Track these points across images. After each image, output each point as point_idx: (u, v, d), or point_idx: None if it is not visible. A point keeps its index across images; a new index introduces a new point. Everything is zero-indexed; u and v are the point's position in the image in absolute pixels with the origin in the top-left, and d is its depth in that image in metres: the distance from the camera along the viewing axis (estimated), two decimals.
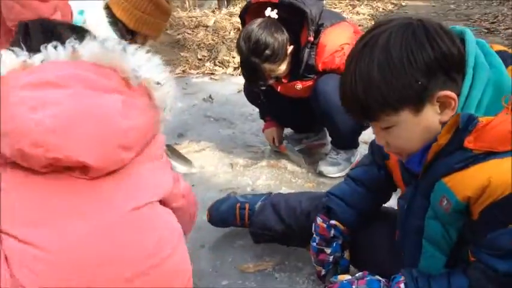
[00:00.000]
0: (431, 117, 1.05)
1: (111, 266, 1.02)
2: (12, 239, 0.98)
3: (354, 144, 2.38)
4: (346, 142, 2.34)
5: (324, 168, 2.35)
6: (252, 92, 2.46)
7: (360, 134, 2.32)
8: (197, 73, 4.08)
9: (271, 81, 2.24)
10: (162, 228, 1.12)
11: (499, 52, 1.10)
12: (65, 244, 0.99)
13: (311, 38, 2.08)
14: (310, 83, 2.20)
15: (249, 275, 1.65)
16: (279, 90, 2.33)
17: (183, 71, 4.12)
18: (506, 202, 0.97)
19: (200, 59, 4.29)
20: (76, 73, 1.04)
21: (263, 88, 2.28)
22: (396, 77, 1.00)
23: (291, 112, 2.46)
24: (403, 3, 7.04)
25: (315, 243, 1.46)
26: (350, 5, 6.68)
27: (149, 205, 1.10)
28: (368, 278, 1.22)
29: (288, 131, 2.69)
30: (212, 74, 4.04)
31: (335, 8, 6.50)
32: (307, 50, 2.12)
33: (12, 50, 1.08)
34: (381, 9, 6.55)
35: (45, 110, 0.97)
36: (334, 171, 2.34)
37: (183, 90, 3.64)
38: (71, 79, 1.02)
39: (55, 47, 1.08)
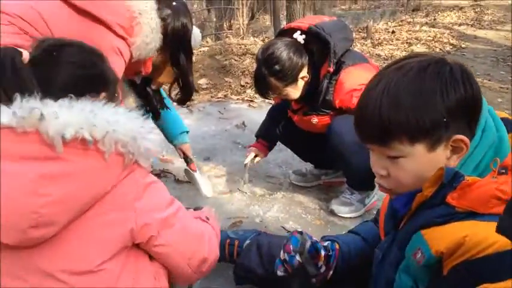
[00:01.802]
0: (440, 158, 1.04)
1: None
2: None
3: (370, 186, 2.34)
4: (361, 183, 2.30)
5: (336, 207, 2.32)
6: (272, 118, 2.53)
7: (375, 176, 2.28)
8: (237, 99, 4.17)
9: (279, 99, 2.27)
10: None
11: (502, 118, 1.11)
12: None
13: (331, 69, 2.09)
14: (326, 118, 2.20)
15: None
16: (295, 121, 2.35)
17: (225, 96, 4.23)
18: (478, 264, 0.94)
19: (242, 86, 4.39)
20: None
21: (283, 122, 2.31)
22: (426, 106, 1.00)
23: (310, 147, 2.47)
24: (463, 45, 6.85)
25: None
26: (406, 42, 6.60)
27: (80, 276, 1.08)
28: None
29: (308, 166, 2.69)
30: (251, 101, 4.11)
31: (391, 44, 6.45)
32: (326, 82, 2.12)
33: None
34: (437, 50, 6.41)
35: None
36: (346, 211, 2.31)
37: (218, 115, 3.73)
38: None
39: None
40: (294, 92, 2.18)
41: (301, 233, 1.45)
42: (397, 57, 5.51)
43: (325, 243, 1.46)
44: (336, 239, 1.47)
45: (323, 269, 1.42)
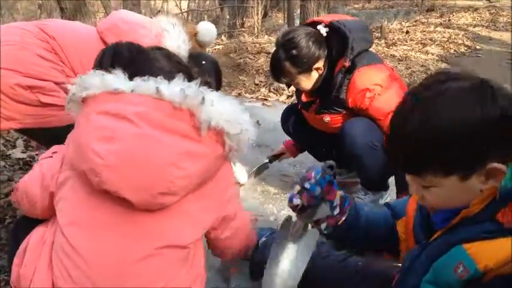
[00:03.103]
0: (475, 185, 1.01)
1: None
2: (60, 232, 1.18)
3: (383, 187, 2.34)
4: (374, 184, 2.31)
5: None
6: (286, 121, 2.52)
7: (389, 177, 2.29)
8: (251, 97, 4.19)
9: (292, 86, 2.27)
10: (171, 274, 1.19)
11: None
12: (91, 254, 1.15)
13: (346, 64, 2.08)
14: (339, 117, 2.21)
15: None
16: (307, 119, 2.36)
17: (239, 94, 4.25)
18: None
19: (257, 84, 4.41)
20: (151, 112, 1.13)
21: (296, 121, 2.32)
22: (468, 142, 0.96)
23: (324, 147, 2.48)
24: (478, 47, 6.80)
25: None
26: (421, 43, 6.57)
27: (173, 249, 1.19)
28: None
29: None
30: (265, 99, 4.13)
31: (405, 45, 6.42)
32: (340, 77, 2.11)
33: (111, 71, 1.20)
34: (452, 51, 6.37)
35: (109, 144, 1.11)
36: None
37: None
38: (145, 118, 1.12)
39: (144, 80, 1.17)
40: (306, 82, 2.18)
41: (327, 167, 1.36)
42: (412, 58, 5.49)
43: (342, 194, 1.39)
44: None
45: (337, 210, 1.35)
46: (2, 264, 1.82)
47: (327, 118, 2.24)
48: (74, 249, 1.15)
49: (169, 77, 1.19)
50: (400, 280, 1.23)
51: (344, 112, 2.19)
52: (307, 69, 2.13)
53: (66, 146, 1.25)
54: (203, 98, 1.14)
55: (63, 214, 1.20)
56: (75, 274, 1.14)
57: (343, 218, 1.35)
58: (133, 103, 1.14)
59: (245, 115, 1.22)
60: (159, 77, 1.17)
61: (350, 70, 2.10)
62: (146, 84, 1.15)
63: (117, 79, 1.18)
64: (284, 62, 2.12)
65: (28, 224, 1.33)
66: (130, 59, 1.34)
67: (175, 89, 1.14)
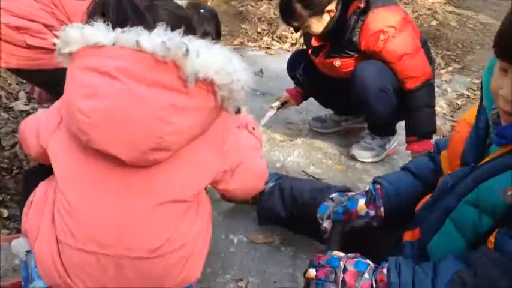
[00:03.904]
0: None
1: (116, 243, 1.15)
2: (61, 193, 1.18)
3: (391, 131, 2.33)
4: (383, 128, 2.30)
5: (356, 152, 2.33)
6: (294, 67, 2.47)
7: (396, 122, 2.27)
8: (254, 46, 4.10)
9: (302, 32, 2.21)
10: (173, 230, 1.19)
11: None
12: (90, 212, 1.16)
13: (361, 5, 2.02)
14: (350, 61, 2.15)
15: (256, 245, 1.72)
16: (317, 64, 2.30)
17: (241, 43, 4.15)
18: None
19: (259, 32, 4.30)
20: (134, 67, 1.08)
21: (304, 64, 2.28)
22: None
23: (331, 92, 2.44)
24: None
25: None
26: None
27: (174, 204, 1.18)
28: (357, 259, 1.22)
29: (328, 112, 2.67)
30: (268, 48, 4.04)
31: None
32: (353, 19, 2.04)
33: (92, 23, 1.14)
34: None
35: (93, 101, 1.08)
36: (367, 156, 2.32)
37: None
38: (127, 73, 1.07)
39: (124, 32, 1.11)
40: (317, 25, 2.10)
41: (332, 199, 1.45)
42: (418, 1, 5.32)
43: (367, 188, 1.44)
44: (381, 180, 1.44)
45: (372, 212, 1.40)
46: (13, 213, 1.84)
47: (337, 62, 2.18)
48: (71, 206, 1.15)
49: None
50: (433, 201, 1.23)
51: (355, 55, 2.13)
52: (319, 12, 2.06)
53: (61, 100, 1.23)
54: (187, 50, 1.07)
55: (61, 172, 1.19)
56: (75, 229, 1.15)
57: (382, 209, 1.39)
58: (114, 57, 1.09)
59: (236, 63, 1.15)
60: (139, 28, 1.10)
61: (364, 11, 2.03)
62: (126, 36, 1.09)
63: (97, 32, 1.11)
64: (295, 4, 2.05)
65: (37, 174, 1.35)
66: (118, 7, 1.21)
67: (157, 40, 1.07)
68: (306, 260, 1.63)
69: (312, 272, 1.19)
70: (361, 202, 1.40)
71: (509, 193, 1.01)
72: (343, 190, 1.61)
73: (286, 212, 1.67)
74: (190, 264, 1.23)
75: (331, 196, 1.44)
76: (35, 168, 1.38)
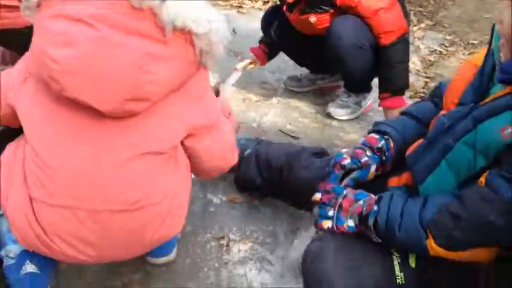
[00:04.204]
0: None
1: (93, 196, 1.13)
2: (32, 149, 1.14)
3: (366, 88, 2.33)
4: (358, 86, 2.29)
5: (333, 110, 2.33)
6: (268, 24, 2.42)
7: (372, 78, 2.27)
8: (225, 5, 3.99)
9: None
10: (152, 182, 1.17)
11: None
12: (64, 165, 1.11)
13: None
14: (325, 17, 2.11)
15: (236, 205, 1.72)
16: (292, 21, 2.25)
17: (212, 2, 4.05)
18: None
19: None
20: (109, 14, 1.04)
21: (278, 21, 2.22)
22: None
23: (306, 50, 2.40)
24: None
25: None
26: None
27: (151, 156, 1.15)
28: (360, 191, 1.26)
29: (303, 71, 2.64)
30: (240, 7, 3.95)
31: None
32: None
33: None
34: None
35: (68, 49, 1.03)
36: (343, 113, 2.32)
37: None
38: (103, 20, 1.03)
39: None
40: None
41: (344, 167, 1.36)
42: None
43: (379, 145, 1.37)
44: (389, 129, 1.39)
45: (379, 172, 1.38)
46: None
47: (313, 18, 2.13)
48: (44, 162, 1.11)
49: None
50: (428, 142, 1.24)
51: (331, 11, 2.09)
52: None
53: (28, 54, 1.17)
54: None
55: (31, 127, 1.15)
56: (49, 185, 1.11)
57: (389, 165, 1.38)
58: (88, 4, 1.05)
59: (214, 13, 1.13)
60: None
61: None
62: None
63: None
64: None
65: (4, 137, 1.29)
66: None
67: None
68: (286, 218, 1.64)
69: (318, 196, 1.27)
70: (373, 169, 1.36)
71: (505, 132, 1.02)
72: (319, 152, 1.62)
73: (262, 179, 1.65)
74: (171, 218, 1.22)
75: (343, 164, 1.34)
76: (2, 131, 1.31)
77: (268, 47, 2.47)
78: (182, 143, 1.25)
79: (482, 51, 1.23)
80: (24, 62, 1.19)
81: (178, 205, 1.24)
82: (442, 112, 1.28)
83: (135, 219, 1.16)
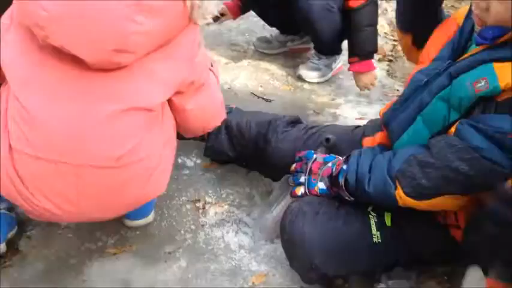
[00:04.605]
0: None
1: (77, 150, 1.10)
2: (13, 96, 1.09)
3: (337, 51, 2.33)
4: (328, 48, 2.28)
5: (304, 72, 2.33)
6: None
7: (342, 41, 2.26)
8: None
9: None
10: (137, 139, 1.14)
11: None
12: (50, 118, 1.08)
13: None
14: None
15: (210, 169, 1.71)
16: None
17: None
18: None
19: None
20: None
21: None
22: None
23: (277, 10, 2.36)
24: None
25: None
26: None
27: (137, 112, 1.12)
28: (330, 155, 1.30)
29: (273, 32, 2.61)
30: None
31: None
32: None
33: None
34: None
35: None
36: (314, 76, 2.32)
37: None
38: None
39: None
40: None
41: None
42: None
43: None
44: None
45: None
46: None
47: None
48: (28, 112, 1.08)
49: None
50: (404, 99, 1.27)
51: None
52: None
53: (15, 3, 1.11)
54: None
55: (14, 76, 1.10)
56: (33, 137, 1.08)
57: None
58: None
59: None
60: None
61: None
62: None
63: None
64: None
65: None
66: None
67: None
68: (262, 180, 1.65)
69: (293, 166, 1.31)
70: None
71: (477, 85, 1.05)
72: (293, 121, 1.60)
73: (234, 152, 1.62)
74: (155, 177, 1.21)
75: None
76: None
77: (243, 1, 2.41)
78: (170, 100, 1.22)
79: (464, 9, 1.26)
80: (9, 12, 1.13)
81: (163, 164, 1.23)
82: (417, 68, 1.30)
83: (119, 177, 1.13)
